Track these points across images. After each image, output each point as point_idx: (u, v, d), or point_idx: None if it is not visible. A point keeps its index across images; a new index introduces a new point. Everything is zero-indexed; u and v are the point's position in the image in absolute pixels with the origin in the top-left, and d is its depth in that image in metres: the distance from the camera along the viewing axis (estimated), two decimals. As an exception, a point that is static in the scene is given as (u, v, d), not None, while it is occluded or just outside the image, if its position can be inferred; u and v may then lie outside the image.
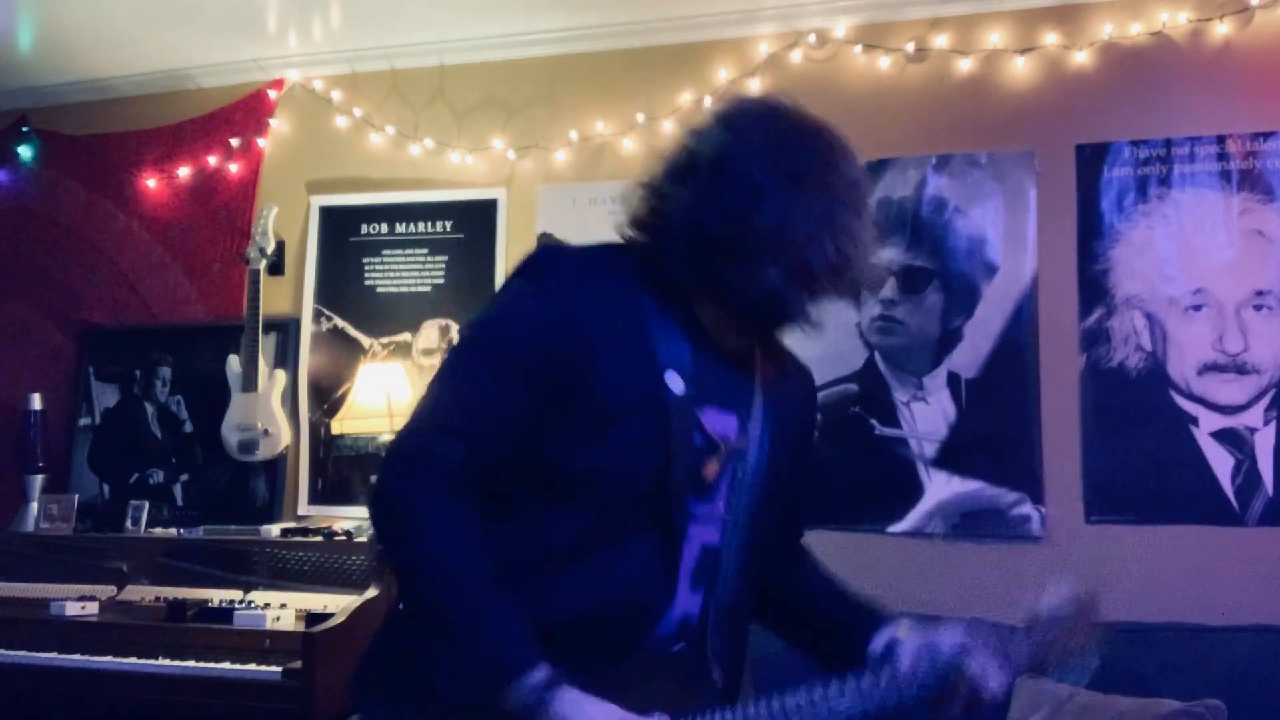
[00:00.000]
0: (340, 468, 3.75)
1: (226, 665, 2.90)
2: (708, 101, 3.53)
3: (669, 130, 3.56)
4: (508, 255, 3.68)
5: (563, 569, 1.37)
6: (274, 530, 3.43)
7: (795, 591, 1.62)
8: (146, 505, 3.68)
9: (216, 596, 3.18)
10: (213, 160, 4.01)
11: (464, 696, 1.32)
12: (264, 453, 3.69)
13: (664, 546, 1.39)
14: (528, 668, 1.28)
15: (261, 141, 3.98)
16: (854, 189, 1.49)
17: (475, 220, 3.74)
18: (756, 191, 1.38)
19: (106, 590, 3.29)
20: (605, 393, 1.37)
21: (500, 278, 3.67)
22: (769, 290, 1.39)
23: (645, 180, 1.47)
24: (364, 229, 3.84)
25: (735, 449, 1.46)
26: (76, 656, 3.01)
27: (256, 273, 3.73)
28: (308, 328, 3.84)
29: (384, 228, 3.83)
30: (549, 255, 1.49)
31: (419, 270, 3.78)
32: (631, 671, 1.37)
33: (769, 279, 1.39)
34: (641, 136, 3.60)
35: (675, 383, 1.40)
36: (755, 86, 3.50)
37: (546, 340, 1.37)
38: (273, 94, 3.99)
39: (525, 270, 1.45)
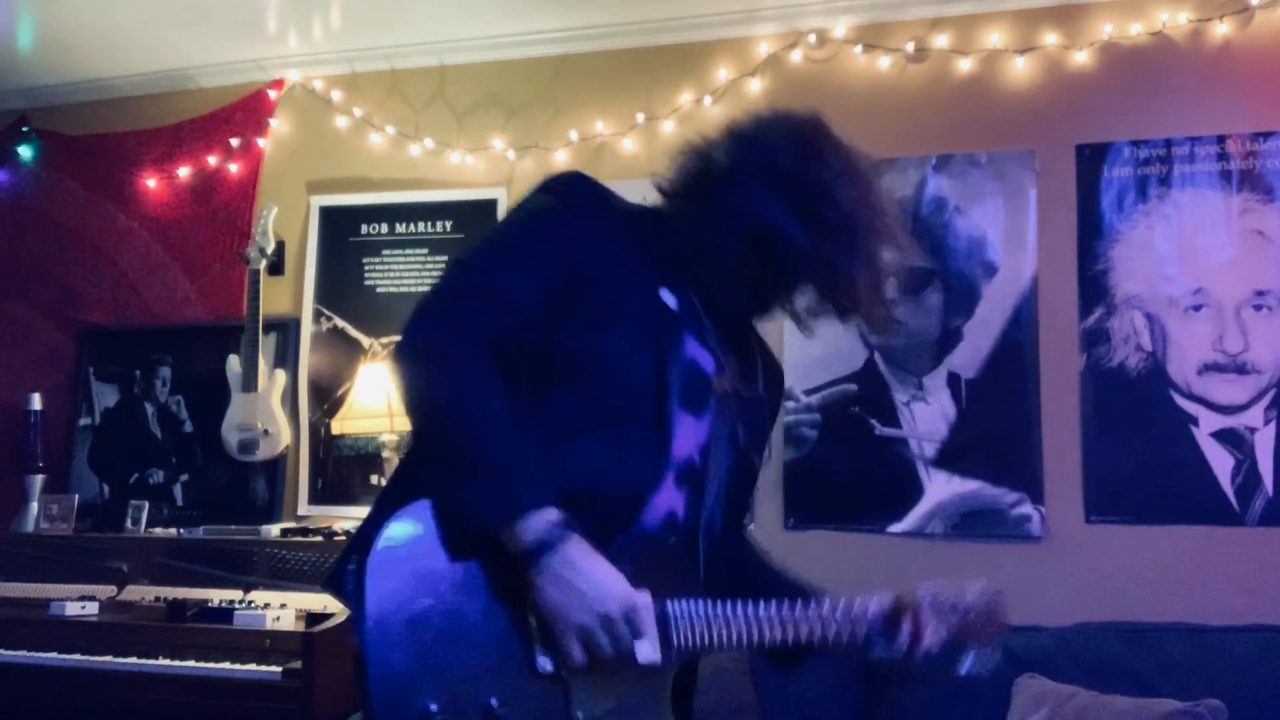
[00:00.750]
0: (340, 468, 3.75)
1: (226, 665, 2.90)
2: (708, 101, 3.54)
3: (669, 130, 3.56)
4: (508, 255, 3.68)
5: (563, 445, 1.46)
6: (274, 530, 3.43)
7: (732, 559, 1.70)
8: (146, 505, 3.68)
9: (216, 596, 3.18)
10: (212, 160, 4.01)
11: (481, 519, 1.37)
12: (264, 453, 3.69)
13: (655, 436, 1.49)
14: (544, 504, 1.37)
15: (261, 141, 3.98)
16: (895, 248, 1.58)
17: (475, 220, 3.74)
18: (814, 223, 1.49)
19: (106, 590, 3.29)
20: (609, 292, 1.50)
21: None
22: (768, 298, 1.59)
23: (699, 146, 1.59)
24: (364, 229, 3.84)
25: (728, 388, 1.60)
26: (76, 656, 3.01)
27: (256, 273, 3.73)
28: (308, 328, 3.84)
29: (384, 228, 3.83)
30: (574, 178, 1.61)
31: (419, 270, 3.78)
32: (621, 549, 1.44)
33: (775, 291, 1.57)
34: (641, 136, 3.60)
35: (669, 298, 1.54)
36: (755, 87, 3.50)
37: (567, 240, 1.51)
38: (273, 94, 3.99)
39: (552, 189, 1.58)
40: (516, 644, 1.38)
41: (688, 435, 1.54)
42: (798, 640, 1.49)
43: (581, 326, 1.48)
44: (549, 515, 1.37)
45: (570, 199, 1.57)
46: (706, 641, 1.45)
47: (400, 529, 1.37)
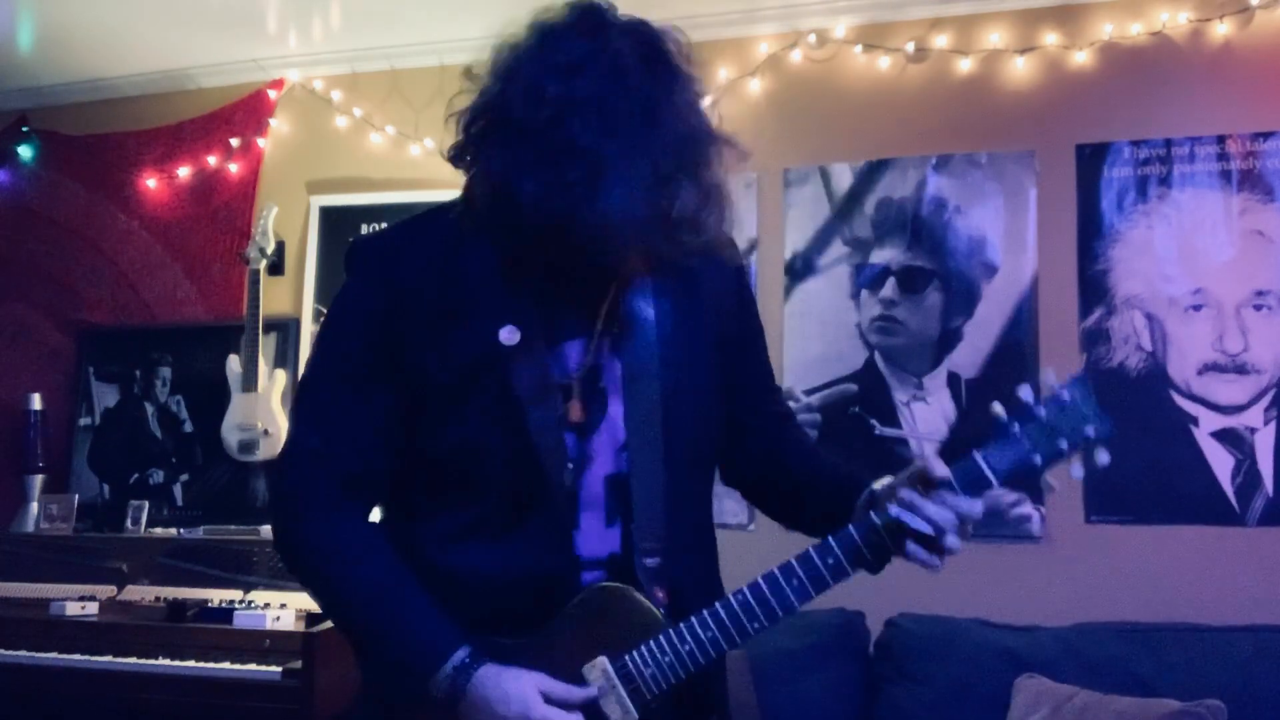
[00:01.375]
0: (340, 468, 3.75)
1: (226, 665, 2.90)
2: (708, 101, 3.53)
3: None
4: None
5: (464, 551, 1.39)
6: (274, 530, 3.43)
7: (777, 467, 1.60)
8: (146, 505, 3.68)
9: (216, 596, 3.18)
10: (212, 160, 4.01)
11: (398, 696, 1.38)
12: (264, 453, 3.69)
13: (550, 509, 1.37)
14: (441, 659, 1.33)
15: (261, 141, 3.98)
16: (683, 138, 1.33)
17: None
18: (573, 155, 1.26)
19: (106, 590, 3.29)
20: (441, 372, 1.37)
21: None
22: (580, 250, 1.31)
23: (462, 115, 1.38)
24: (364, 229, 3.84)
25: (592, 368, 1.41)
26: (76, 656, 3.01)
27: (256, 273, 3.73)
28: (308, 328, 3.84)
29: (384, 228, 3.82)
30: (356, 248, 1.47)
31: (419, 270, 3.78)
32: (567, 621, 1.39)
33: (581, 240, 1.29)
34: (641, 136, 3.59)
35: (510, 335, 1.37)
36: (755, 87, 3.50)
37: (372, 333, 1.39)
38: (273, 94, 3.99)
39: (345, 268, 1.47)
40: None
41: (599, 458, 1.42)
42: (787, 613, 1.35)
43: (436, 425, 1.38)
44: (448, 668, 1.33)
45: (354, 284, 1.44)
46: (681, 673, 1.36)
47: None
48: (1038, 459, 1.36)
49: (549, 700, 1.33)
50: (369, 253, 1.46)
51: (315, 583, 1.44)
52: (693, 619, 1.37)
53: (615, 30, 1.33)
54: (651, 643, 1.36)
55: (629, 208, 1.26)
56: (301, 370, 1.46)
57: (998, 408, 1.38)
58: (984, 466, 1.37)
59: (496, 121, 1.32)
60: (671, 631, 1.36)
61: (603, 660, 1.36)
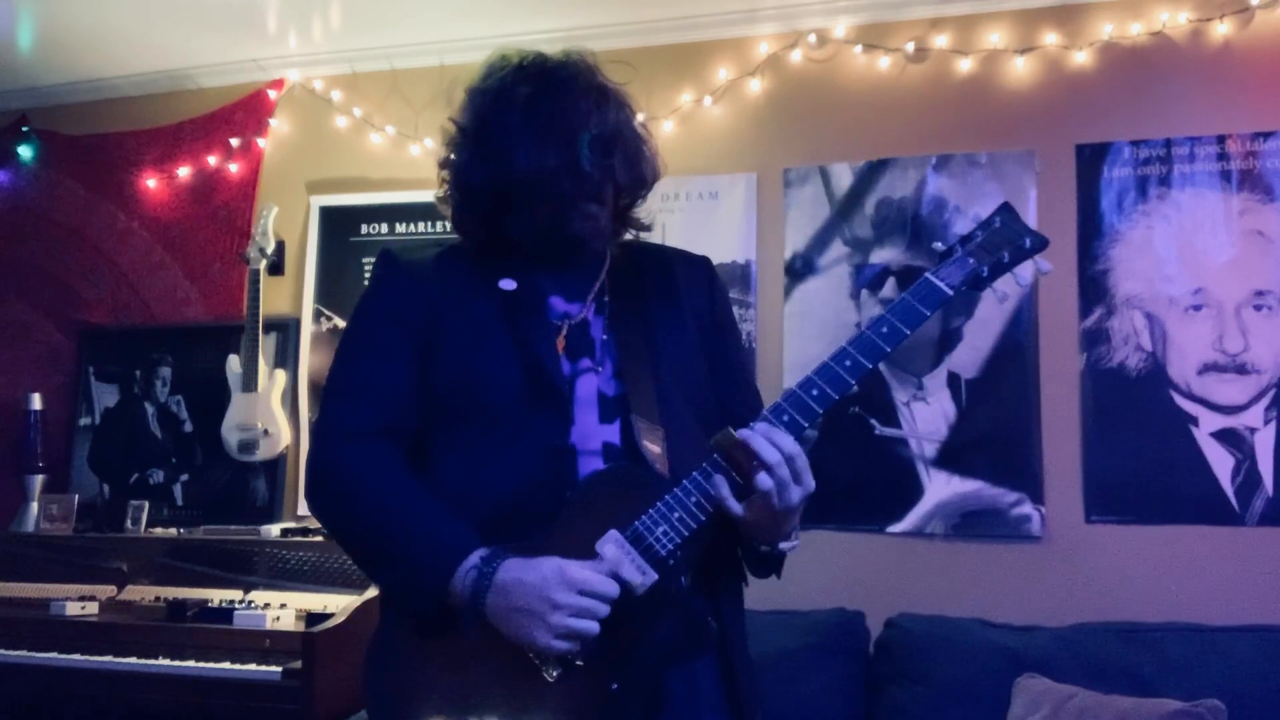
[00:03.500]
0: (340, 468, 3.74)
1: (226, 665, 2.90)
2: (708, 101, 3.54)
3: (669, 130, 3.57)
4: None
5: (474, 469, 1.51)
6: (274, 530, 3.43)
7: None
8: (146, 505, 3.68)
9: (216, 596, 3.18)
10: (212, 160, 4.02)
11: (421, 606, 1.43)
12: (264, 453, 3.69)
13: (551, 412, 1.51)
14: (462, 554, 1.41)
15: (261, 141, 3.98)
16: (575, 114, 1.59)
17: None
18: (489, 150, 1.58)
19: (106, 590, 3.29)
20: (452, 315, 1.58)
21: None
22: (532, 225, 1.59)
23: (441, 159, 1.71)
24: (364, 229, 3.85)
25: (581, 320, 1.61)
26: (76, 656, 3.01)
27: (256, 273, 3.74)
28: (308, 328, 3.84)
29: (384, 228, 3.83)
30: (381, 254, 1.71)
31: (419, 270, 3.78)
32: (571, 512, 1.45)
33: (530, 216, 1.59)
34: (641, 136, 3.59)
35: (509, 284, 1.61)
36: (755, 87, 3.51)
37: (395, 302, 1.62)
38: (273, 94, 3.99)
39: (372, 274, 1.71)
40: (523, 674, 1.40)
41: (591, 377, 1.56)
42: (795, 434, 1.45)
43: (448, 362, 1.56)
44: (468, 563, 1.41)
45: (381, 272, 1.67)
46: (693, 524, 1.42)
47: (383, 634, 1.51)
48: (984, 271, 1.57)
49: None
50: (390, 252, 1.69)
51: (340, 502, 1.53)
52: (694, 473, 1.44)
53: (520, 54, 1.65)
54: (659, 503, 1.43)
55: (542, 158, 1.54)
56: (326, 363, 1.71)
57: (938, 245, 1.62)
58: (938, 282, 1.55)
59: (451, 148, 1.66)
60: (676, 489, 1.43)
61: (612, 533, 1.41)
